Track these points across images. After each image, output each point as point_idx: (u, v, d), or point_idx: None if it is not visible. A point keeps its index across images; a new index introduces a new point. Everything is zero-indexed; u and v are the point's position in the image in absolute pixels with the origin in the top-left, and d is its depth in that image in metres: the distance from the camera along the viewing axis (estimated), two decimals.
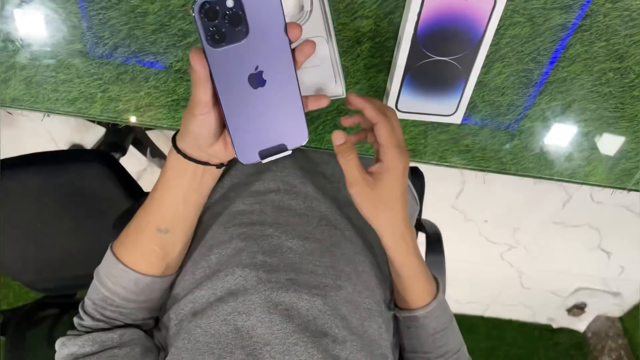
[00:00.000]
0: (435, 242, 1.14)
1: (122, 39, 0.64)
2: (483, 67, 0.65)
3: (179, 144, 0.54)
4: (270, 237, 0.63)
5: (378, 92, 0.69)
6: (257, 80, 0.47)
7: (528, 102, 0.69)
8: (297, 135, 0.51)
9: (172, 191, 0.56)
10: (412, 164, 0.87)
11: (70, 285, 1.46)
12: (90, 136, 1.84)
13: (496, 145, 0.74)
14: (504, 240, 2.10)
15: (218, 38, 0.45)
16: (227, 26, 0.45)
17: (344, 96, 0.66)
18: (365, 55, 0.65)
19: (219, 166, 0.56)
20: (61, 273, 1.41)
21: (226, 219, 0.66)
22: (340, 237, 0.66)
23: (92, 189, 1.18)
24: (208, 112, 0.48)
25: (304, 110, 0.49)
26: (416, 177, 1.12)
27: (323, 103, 0.53)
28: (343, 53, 0.65)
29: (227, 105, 0.48)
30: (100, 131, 1.77)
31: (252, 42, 0.46)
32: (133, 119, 0.72)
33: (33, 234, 1.29)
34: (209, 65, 0.46)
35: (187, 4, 0.61)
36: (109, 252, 0.60)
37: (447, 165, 0.77)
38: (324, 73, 0.64)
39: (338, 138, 0.56)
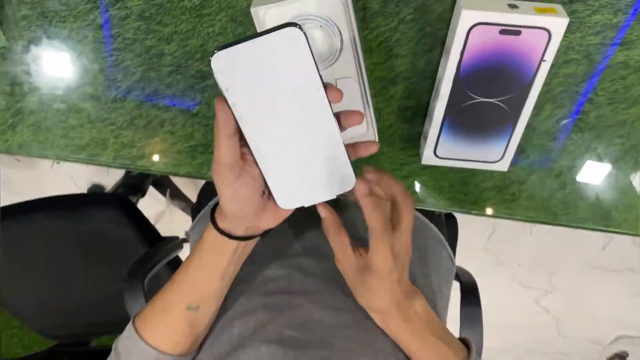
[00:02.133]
0: (470, 293, 1.05)
1: (137, 82, 0.60)
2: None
3: (221, 224, 0.49)
4: (298, 307, 0.55)
5: (413, 137, 0.62)
6: (292, 126, 0.42)
7: (583, 147, 0.62)
8: (343, 181, 0.47)
9: (210, 269, 0.52)
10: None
11: (84, 332, 1.41)
12: (111, 177, 1.82)
13: (546, 194, 0.66)
14: (539, 285, 1.99)
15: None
16: None
17: (376, 141, 0.60)
18: (399, 96, 0.59)
19: (263, 235, 0.51)
20: (75, 320, 1.37)
21: (249, 287, 0.59)
22: None
23: (108, 234, 1.15)
24: (237, 175, 0.44)
25: (347, 154, 0.45)
26: (450, 222, 1.04)
27: (373, 149, 0.49)
28: (375, 94, 0.59)
29: (261, 156, 0.45)
30: (120, 172, 1.74)
31: (283, 89, 0.41)
32: (148, 163, 0.66)
33: (48, 279, 1.26)
34: (235, 118, 0.41)
35: (205, 44, 0.57)
36: (130, 327, 0.54)
37: (489, 216, 0.70)
38: None
39: (323, 211, 0.51)
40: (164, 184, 1.64)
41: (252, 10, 0.50)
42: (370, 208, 0.44)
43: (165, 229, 1.68)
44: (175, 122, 0.63)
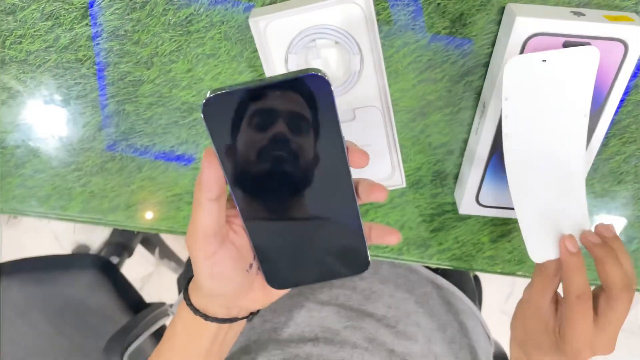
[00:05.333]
0: None
1: (108, 116, 0.49)
2: None
3: (196, 301, 0.39)
4: None
5: (447, 182, 0.51)
6: (297, 192, 0.33)
7: None
8: (353, 262, 0.37)
9: (185, 358, 0.41)
10: (487, 275, 0.66)
11: None
12: (97, 235, 1.69)
13: None
14: None
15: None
16: None
17: (404, 186, 0.48)
18: (431, 131, 0.48)
19: (249, 317, 0.41)
20: None
21: None
22: None
23: (85, 301, 1.03)
24: (218, 246, 0.34)
25: (363, 229, 0.35)
26: (476, 285, 0.91)
27: (379, 196, 0.34)
28: (401, 128, 0.48)
29: (252, 224, 0.35)
30: (107, 230, 1.62)
31: (291, 147, 0.32)
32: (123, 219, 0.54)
33: (17, 356, 1.10)
34: (225, 173, 0.32)
35: (193, 69, 0.46)
36: None
37: None
38: (377, 155, 0.47)
39: (573, 245, 0.44)
40: (153, 242, 1.51)
41: (250, 21, 0.40)
42: (575, 270, 0.41)
43: (153, 294, 1.53)
44: (156, 166, 0.51)
